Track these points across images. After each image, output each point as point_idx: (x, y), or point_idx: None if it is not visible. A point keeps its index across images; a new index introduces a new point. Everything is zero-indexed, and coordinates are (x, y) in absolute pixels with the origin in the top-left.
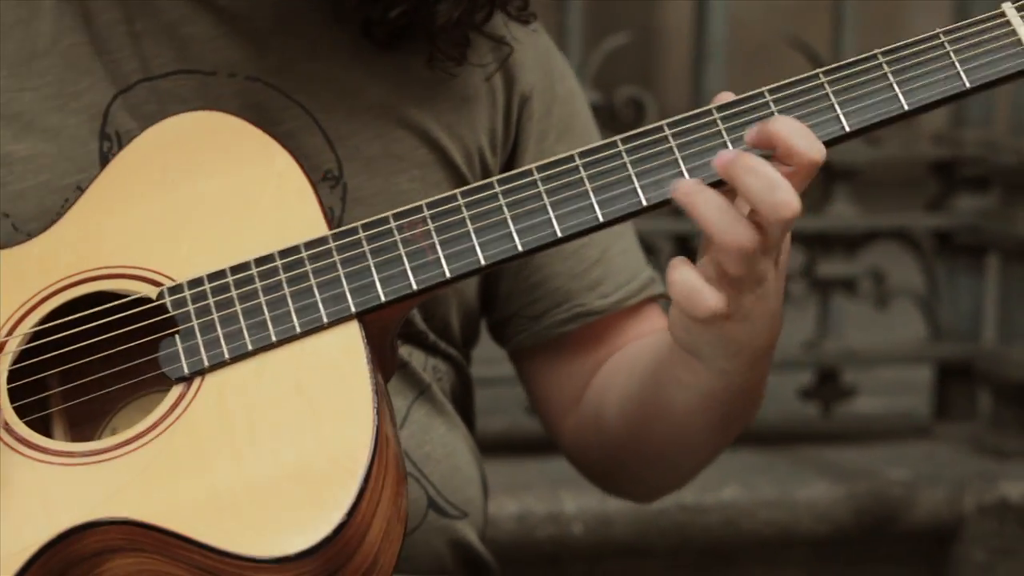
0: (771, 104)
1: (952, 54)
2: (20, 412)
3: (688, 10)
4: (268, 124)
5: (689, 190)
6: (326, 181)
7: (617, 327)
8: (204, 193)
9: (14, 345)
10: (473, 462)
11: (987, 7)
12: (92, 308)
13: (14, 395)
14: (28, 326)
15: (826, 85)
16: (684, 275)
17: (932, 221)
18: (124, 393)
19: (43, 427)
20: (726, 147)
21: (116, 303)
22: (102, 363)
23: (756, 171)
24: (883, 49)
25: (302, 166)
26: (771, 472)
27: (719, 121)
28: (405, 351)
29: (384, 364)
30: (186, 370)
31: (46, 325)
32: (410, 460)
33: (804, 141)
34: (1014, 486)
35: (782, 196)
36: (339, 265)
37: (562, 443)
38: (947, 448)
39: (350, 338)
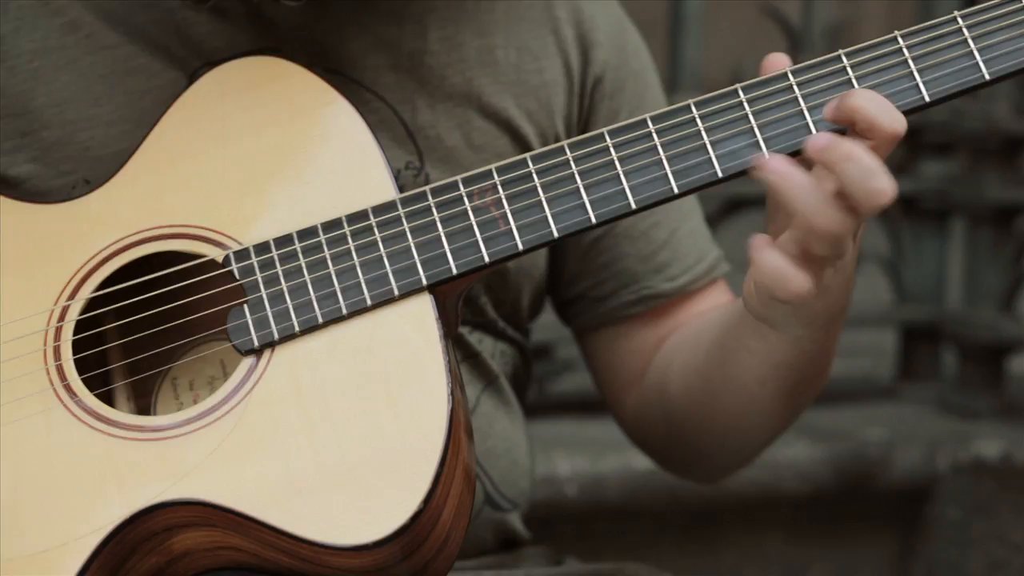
0: (848, 69)
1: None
2: (81, 369)
3: None
4: None
5: (780, 170)
6: (408, 171)
7: (682, 306)
8: (266, 146)
9: (76, 312)
10: (528, 452)
11: None
12: (153, 270)
13: (76, 357)
14: (89, 290)
15: (905, 51)
16: (771, 259)
17: (898, 186)
18: (185, 344)
19: (103, 380)
20: (802, 115)
21: (180, 267)
22: (163, 316)
23: (854, 158)
24: (962, 12)
25: (366, 119)
26: None
27: (795, 87)
28: (475, 338)
29: (450, 329)
30: (256, 343)
31: (108, 290)
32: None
33: (886, 115)
34: (988, 445)
35: (880, 184)
36: (409, 234)
37: (624, 419)
38: (914, 409)
39: (422, 311)
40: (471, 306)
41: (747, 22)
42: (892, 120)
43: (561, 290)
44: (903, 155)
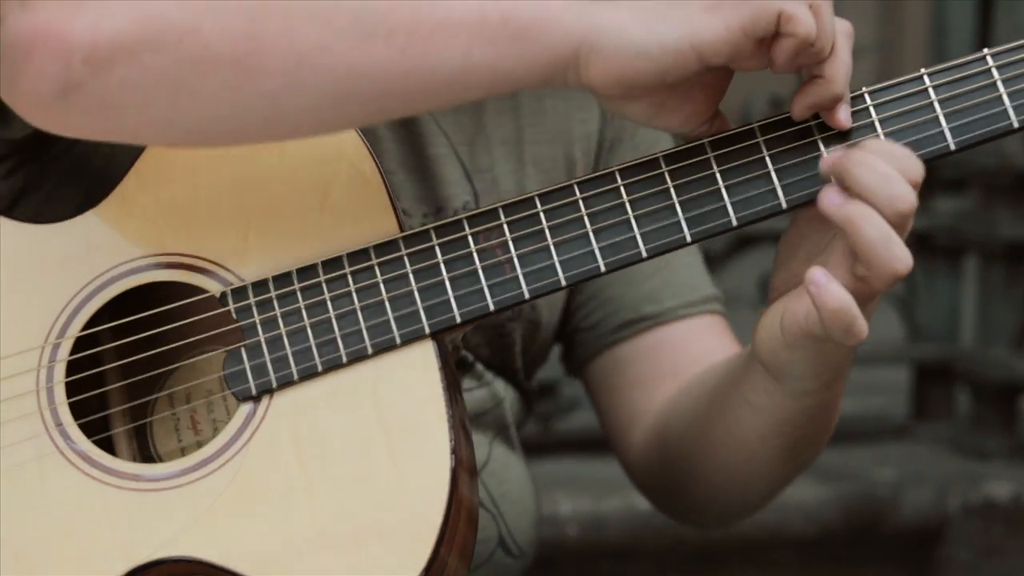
0: (872, 111)
1: None
2: (76, 402)
3: None
4: (419, 146)
5: (852, 212)
6: (464, 212)
7: (675, 337)
8: (269, 173)
9: (66, 352)
10: (535, 498)
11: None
12: (150, 297)
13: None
14: (79, 326)
15: (931, 91)
16: (844, 302)
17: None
18: (178, 353)
19: (98, 401)
20: (820, 157)
21: (178, 304)
22: (159, 344)
23: (868, 164)
24: (993, 51)
25: (371, 152)
26: None
27: (814, 128)
28: (502, 386)
29: (450, 371)
30: (254, 391)
31: (99, 328)
32: (490, 495)
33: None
34: (999, 486)
35: (898, 189)
36: (412, 278)
37: (627, 461)
38: (926, 449)
39: (425, 360)
40: (504, 353)
41: None
42: (907, 169)
43: (561, 328)
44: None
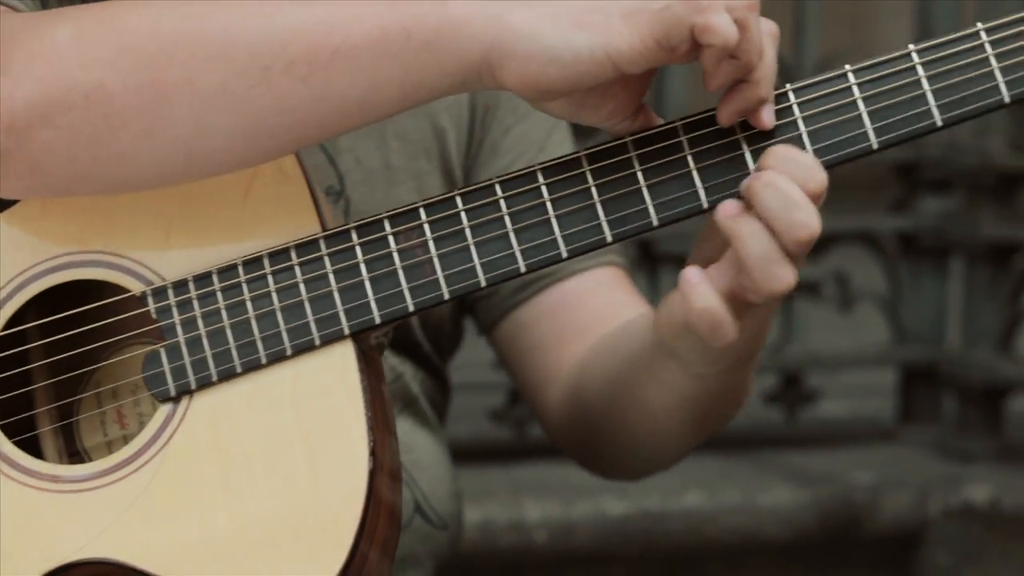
0: (795, 108)
1: (993, 59)
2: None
3: None
4: None
5: (740, 227)
6: (329, 197)
7: (576, 295)
8: None
9: None
10: (453, 479)
11: (949, 8)
12: (71, 295)
13: None
14: (0, 323)
15: (855, 88)
16: (710, 304)
17: (895, 223)
18: (102, 352)
19: (23, 400)
20: (743, 159)
21: (95, 305)
22: (82, 342)
23: (775, 185)
24: (918, 47)
25: (296, 153)
26: (734, 477)
27: (737, 127)
28: (398, 361)
29: (372, 371)
30: (173, 392)
31: (15, 329)
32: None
33: (801, 172)
34: (979, 489)
35: (801, 216)
36: (332, 278)
37: (546, 422)
38: (912, 451)
39: (344, 361)
40: (399, 328)
41: None
42: (808, 178)
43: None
44: (901, 192)
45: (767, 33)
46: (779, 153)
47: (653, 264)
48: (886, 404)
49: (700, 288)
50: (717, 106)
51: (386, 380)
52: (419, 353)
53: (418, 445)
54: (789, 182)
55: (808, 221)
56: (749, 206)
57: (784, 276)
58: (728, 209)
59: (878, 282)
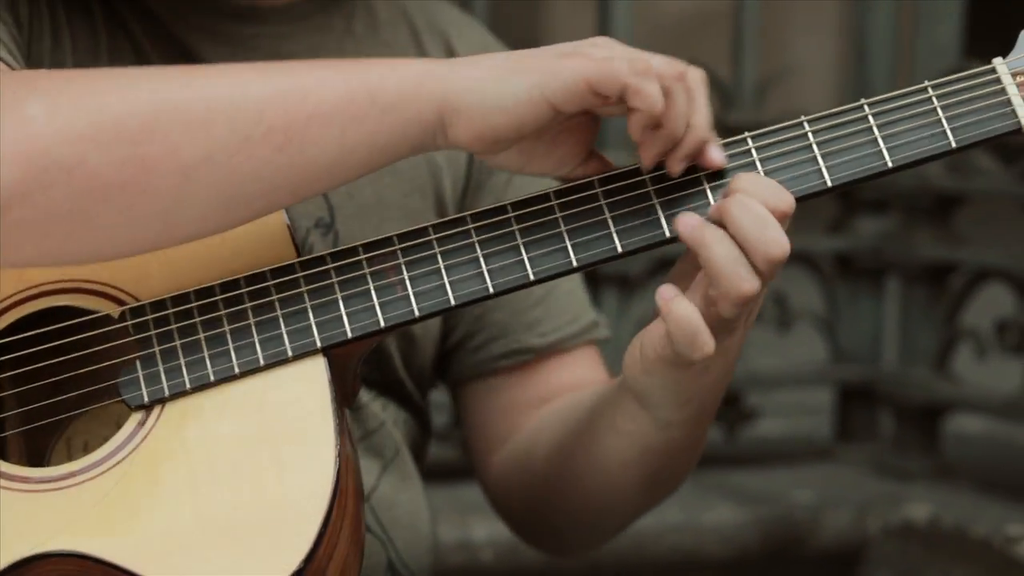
0: (753, 152)
1: (940, 110)
2: None
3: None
4: None
5: (696, 225)
6: (318, 228)
7: (552, 367)
8: None
9: None
10: (430, 522)
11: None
12: (50, 324)
13: None
14: None
15: (810, 135)
16: (687, 312)
17: (832, 244)
18: (80, 401)
19: None
20: (705, 195)
21: (75, 321)
22: (59, 371)
23: (748, 207)
24: (870, 100)
25: None
26: (677, 496)
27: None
28: (380, 405)
29: (346, 393)
30: (146, 398)
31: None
32: (378, 521)
33: (772, 196)
34: (918, 508)
35: (773, 233)
36: (306, 297)
37: (486, 481)
38: (850, 470)
39: (315, 373)
40: (383, 367)
41: None
42: (777, 200)
43: (444, 343)
44: (838, 212)
45: (695, 80)
46: (747, 177)
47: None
48: (823, 423)
49: (676, 300)
50: (666, 158)
51: (365, 434)
52: (402, 392)
53: (399, 502)
54: (757, 202)
55: (780, 238)
56: (720, 225)
57: (749, 277)
58: (689, 220)
59: (815, 302)
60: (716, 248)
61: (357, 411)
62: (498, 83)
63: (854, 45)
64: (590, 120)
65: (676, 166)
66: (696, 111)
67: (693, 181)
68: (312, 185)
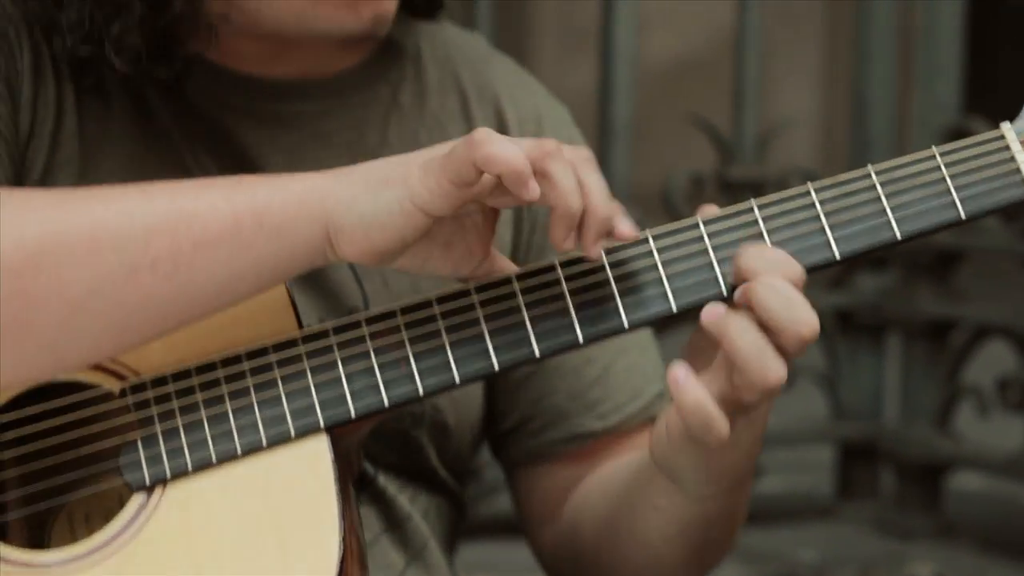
0: (760, 222)
1: (948, 179)
2: None
3: (588, 89)
4: None
5: (720, 315)
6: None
7: (612, 447)
8: None
9: None
10: None
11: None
12: (50, 397)
13: None
14: None
15: (817, 204)
16: (699, 398)
17: (833, 300)
18: (82, 481)
19: None
20: (711, 265)
21: (76, 399)
22: (60, 446)
23: (776, 287)
24: (877, 167)
25: None
26: None
27: (706, 236)
28: (408, 496)
29: (351, 466)
30: (147, 480)
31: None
32: None
33: (783, 266)
34: (921, 566)
35: (802, 314)
36: (309, 374)
37: (540, 555)
38: (851, 528)
39: (318, 453)
40: (414, 457)
41: (677, 132)
42: (791, 274)
43: (494, 425)
44: (838, 268)
45: (582, 161)
46: (758, 253)
47: None
48: (824, 480)
49: (688, 383)
50: (581, 243)
51: (391, 526)
52: (435, 480)
53: None
54: (785, 282)
55: (811, 319)
56: (746, 308)
57: (776, 366)
58: (714, 310)
59: (816, 358)
60: (742, 339)
61: (384, 502)
62: (371, 198)
63: (854, 98)
64: (488, 216)
65: (591, 250)
66: (590, 189)
67: (701, 252)
68: (202, 311)
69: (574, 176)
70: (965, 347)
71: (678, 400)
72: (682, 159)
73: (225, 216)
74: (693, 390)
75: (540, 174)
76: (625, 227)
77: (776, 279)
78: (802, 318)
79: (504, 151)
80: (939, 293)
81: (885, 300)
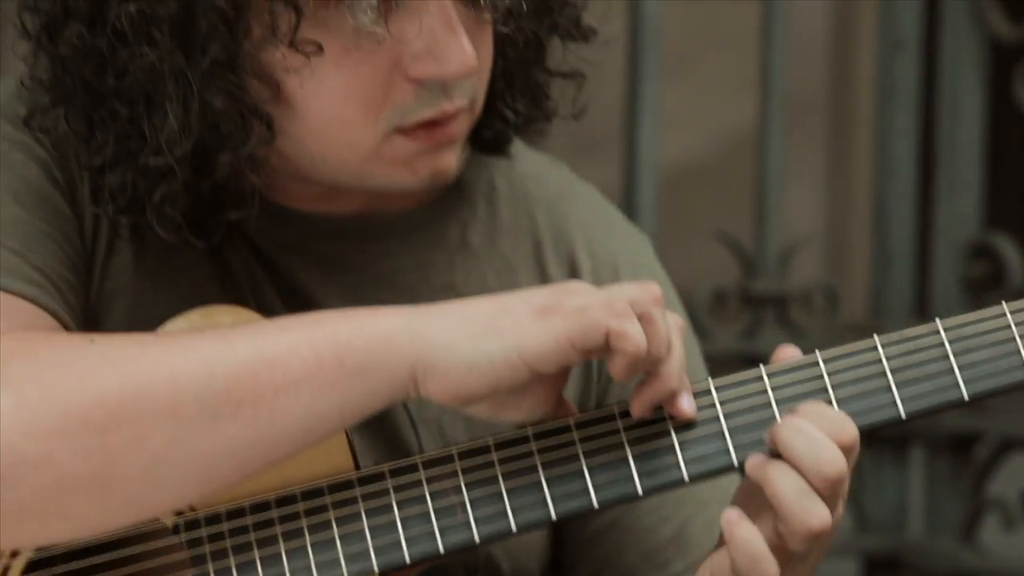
0: (825, 376)
1: (1019, 339)
2: None
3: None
4: None
5: (768, 469)
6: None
7: None
8: None
9: (18, 572)
10: None
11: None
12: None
13: None
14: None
15: (884, 360)
16: (750, 537)
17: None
18: None
19: None
20: (774, 419)
21: (129, 532)
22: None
23: (804, 431)
24: (945, 323)
25: None
26: None
27: (769, 390)
28: None
29: None
30: None
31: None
32: None
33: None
34: None
35: (826, 454)
36: (364, 517)
37: None
38: None
39: None
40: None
41: (700, 247)
42: (840, 431)
43: (557, 573)
44: None
45: (675, 327)
46: (808, 407)
47: None
48: None
49: (740, 523)
50: (631, 400)
51: None
52: None
53: None
54: (812, 426)
55: (834, 457)
56: (777, 453)
57: (818, 511)
58: (755, 459)
59: None
60: (780, 483)
61: None
62: (472, 343)
63: (875, 212)
64: (562, 369)
65: (640, 411)
66: (673, 356)
67: (764, 405)
68: (284, 451)
69: (668, 332)
70: (989, 460)
71: (728, 536)
72: (707, 273)
73: (306, 358)
74: (744, 528)
75: (643, 317)
76: (686, 404)
77: (803, 422)
78: (824, 457)
79: (638, 335)
80: (962, 407)
81: None
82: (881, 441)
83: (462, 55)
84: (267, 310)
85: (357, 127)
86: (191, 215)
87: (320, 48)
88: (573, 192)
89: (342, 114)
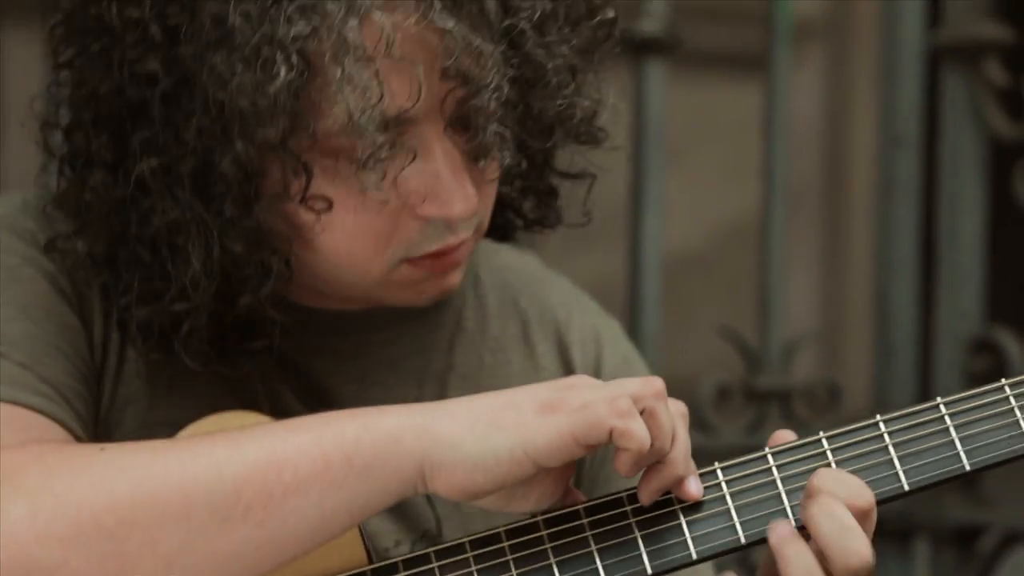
0: (828, 453)
1: (1018, 411)
2: None
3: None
4: None
5: (783, 537)
6: (424, 540)
7: None
8: None
9: None
10: None
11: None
12: None
13: None
14: None
15: (886, 436)
16: (804, 556)
17: None
18: None
19: None
20: (779, 496)
21: None
22: None
23: (831, 512)
24: (946, 400)
25: None
26: None
27: (774, 468)
28: None
29: None
30: None
31: None
32: None
33: (849, 492)
34: None
35: (855, 543)
36: None
37: None
38: None
39: None
40: None
41: (704, 342)
42: (856, 496)
43: None
44: None
45: (678, 415)
46: (829, 473)
47: None
48: None
49: (795, 544)
50: (639, 487)
51: None
52: None
53: None
54: (843, 507)
55: (861, 549)
56: (804, 530)
57: (858, 545)
58: (781, 530)
59: None
60: (794, 563)
61: None
62: (478, 441)
63: (876, 307)
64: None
65: (648, 497)
66: (678, 443)
67: (769, 484)
68: (296, 552)
69: (672, 425)
70: (994, 553)
71: (774, 547)
72: (710, 367)
73: (315, 458)
74: (800, 550)
75: (647, 412)
76: (694, 488)
77: (837, 505)
78: (852, 547)
79: (641, 432)
80: (966, 499)
81: (912, 505)
82: (885, 534)
83: (465, 199)
84: (279, 397)
85: (367, 259)
86: (217, 343)
87: (330, 205)
88: (547, 277)
89: (352, 249)
